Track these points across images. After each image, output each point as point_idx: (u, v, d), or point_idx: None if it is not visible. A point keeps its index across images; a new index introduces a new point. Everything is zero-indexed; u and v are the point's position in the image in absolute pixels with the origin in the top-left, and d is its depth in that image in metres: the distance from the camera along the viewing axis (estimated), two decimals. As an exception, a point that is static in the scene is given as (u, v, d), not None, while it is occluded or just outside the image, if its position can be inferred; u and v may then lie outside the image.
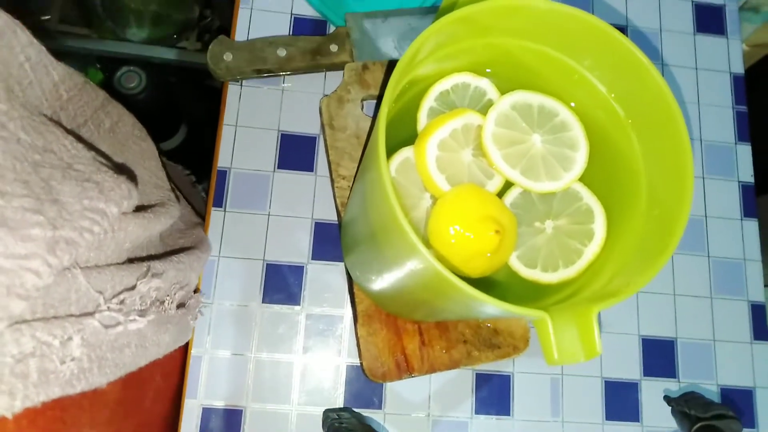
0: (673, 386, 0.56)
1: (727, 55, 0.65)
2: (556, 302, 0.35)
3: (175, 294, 0.42)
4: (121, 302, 0.35)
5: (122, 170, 0.36)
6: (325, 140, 0.55)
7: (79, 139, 0.35)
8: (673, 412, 0.53)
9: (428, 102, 0.37)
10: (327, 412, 0.51)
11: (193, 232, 0.51)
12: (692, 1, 0.66)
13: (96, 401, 0.39)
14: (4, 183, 0.27)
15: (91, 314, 0.33)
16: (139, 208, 0.39)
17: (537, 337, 0.52)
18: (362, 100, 0.56)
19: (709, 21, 0.66)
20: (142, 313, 0.38)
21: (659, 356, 0.56)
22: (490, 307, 0.28)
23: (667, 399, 0.54)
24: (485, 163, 0.37)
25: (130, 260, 0.38)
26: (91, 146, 0.36)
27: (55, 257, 0.28)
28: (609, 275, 0.34)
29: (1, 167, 0.27)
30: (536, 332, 0.29)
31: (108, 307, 0.34)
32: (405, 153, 0.37)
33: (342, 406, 0.52)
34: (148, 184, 0.45)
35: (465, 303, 0.31)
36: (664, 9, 0.65)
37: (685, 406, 0.51)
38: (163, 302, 0.40)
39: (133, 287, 0.37)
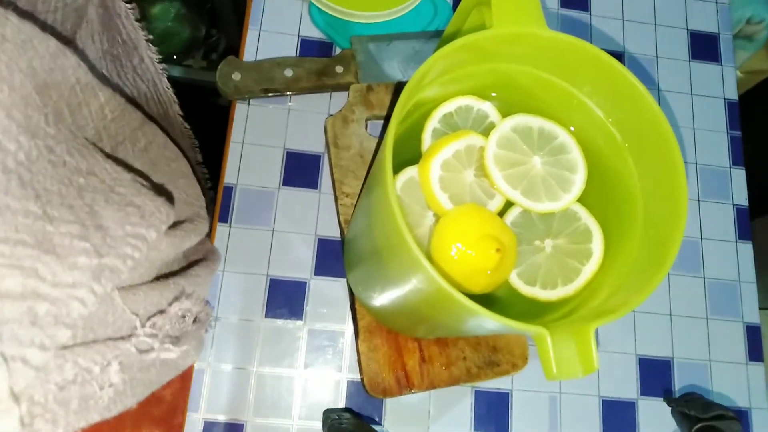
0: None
1: (721, 82, 0.66)
2: (554, 319, 0.36)
3: (194, 309, 0.43)
4: (153, 325, 0.36)
5: (161, 191, 0.37)
6: (329, 158, 0.57)
7: (117, 160, 0.36)
8: (673, 412, 0.53)
9: (432, 123, 0.39)
10: (327, 413, 0.51)
11: (205, 241, 0.52)
12: (687, 29, 0.68)
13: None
14: (52, 208, 0.27)
15: (127, 338, 0.33)
16: (171, 226, 0.40)
17: (536, 355, 0.53)
18: (366, 120, 0.57)
19: (704, 49, 0.67)
20: (174, 341, 0.39)
21: (656, 375, 0.57)
22: (491, 322, 0.29)
23: (667, 399, 0.55)
24: (487, 184, 0.38)
25: (157, 278, 0.38)
26: (130, 167, 0.37)
27: (100, 285, 0.28)
28: (606, 293, 0.35)
29: (49, 192, 0.27)
30: (536, 348, 0.30)
31: (143, 332, 0.34)
32: (409, 172, 0.38)
33: (323, 410, 0.53)
34: (178, 201, 0.46)
35: (466, 318, 0.32)
36: (660, 37, 0.67)
37: (685, 406, 0.51)
38: (184, 317, 0.41)
39: (165, 311, 0.37)
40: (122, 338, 0.33)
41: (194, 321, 0.44)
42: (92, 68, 0.35)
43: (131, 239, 0.31)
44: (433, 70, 0.34)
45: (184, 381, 0.52)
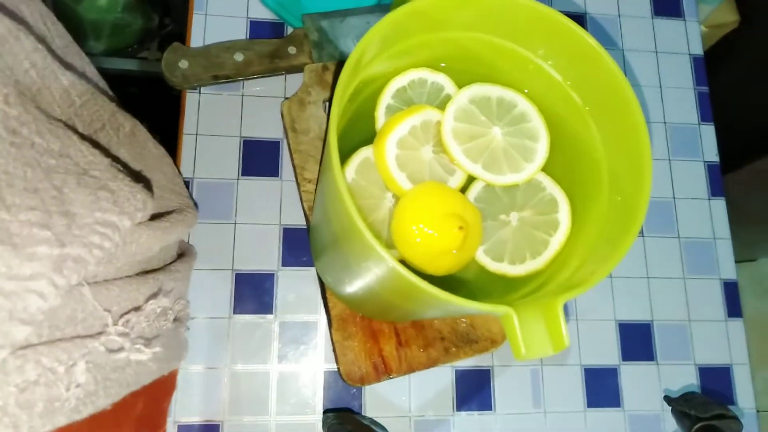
0: (652, 369, 0.56)
1: (685, 37, 0.65)
2: (524, 295, 0.35)
3: (174, 307, 0.41)
4: (126, 323, 0.34)
5: (139, 177, 0.35)
6: (288, 144, 0.54)
7: (97, 144, 0.34)
8: (673, 412, 0.53)
9: (385, 99, 0.37)
10: (327, 413, 0.50)
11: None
12: (649, -15, 0.66)
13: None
14: (12, 194, 0.25)
15: (96, 337, 0.31)
16: (155, 216, 0.38)
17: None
18: (324, 101, 0.55)
19: (666, 4, 0.66)
20: (147, 343, 0.37)
21: (637, 340, 0.56)
22: (455, 305, 0.28)
23: (667, 399, 0.54)
24: (446, 160, 0.36)
25: (140, 273, 0.36)
26: (108, 152, 0.34)
27: (62, 277, 0.26)
28: (576, 265, 0.34)
29: (11, 176, 0.25)
30: (503, 328, 0.29)
31: (114, 330, 0.32)
32: (364, 153, 0.36)
33: (323, 411, 0.51)
34: (165, 190, 0.44)
35: (432, 304, 0.31)
36: (622, -6, 0.66)
37: (685, 406, 0.51)
38: (162, 315, 0.39)
39: (140, 308, 0.35)
40: (90, 336, 0.31)
41: (174, 320, 0.42)
42: (52, 52, 0.33)
43: (100, 227, 0.29)
44: (375, 42, 0.32)
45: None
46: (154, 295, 0.37)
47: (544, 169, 0.37)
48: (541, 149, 0.36)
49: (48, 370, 0.28)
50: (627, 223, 0.30)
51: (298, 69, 0.57)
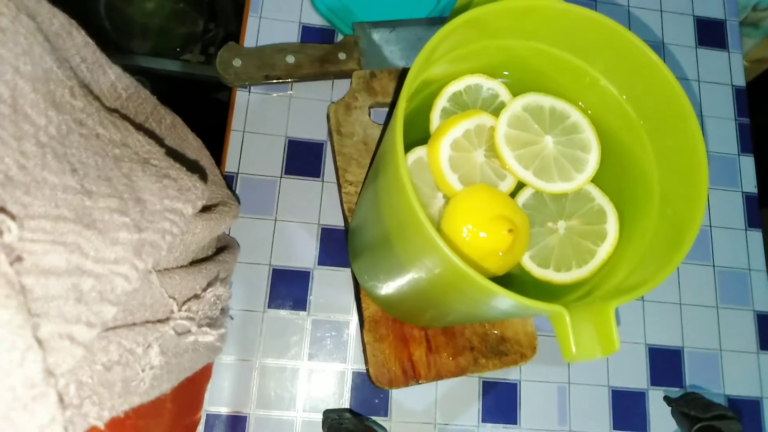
0: (680, 396, 0.55)
1: (728, 69, 0.65)
2: (570, 302, 0.35)
3: (224, 295, 0.42)
4: (188, 309, 0.35)
5: (192, 167, 0.36)
6: (332, 146, 0.56)
7: (149, 132, 0.35)
8: (673, 412, 0.53)
9: (441, 102, 0.38)
10: (327, 413, 0.50)
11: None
12: (694, 16, 0.67)
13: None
14: (89, 182, 0.26)
15: (165, 321, 0.32)
16: (205, 208, 0.39)
17: (544, 346, 0.52)
18: (370, 107, 0.56)
19: (711, 35, 0.67)
20: (211, 324, 0.38)
21: (666, 365, 0.56)
22: (507, 301, 0.28)
23: (668, 399, 0.54)
24: (497, 164, 0.37)
25: (191, 263, 0.37)
26: (161, 141, 0.36)
27: (141, 261, 0.27)
28: (623, 275, 0.34)
29: (85, 165, 0.26)
30: (553, 329, 0.29)
31: (179, 315, 0.33)
32: (418, 152, 0.37)
33: (323, 411, 0.52)
34: (210, 182, 0.45)
35: (480, 300, 0.31)
36: (666, 23, 0.66)
37: (685, 406, 0.50)
38: (216, 303, 0.40)
39: (199, 296, 0.36)
40: (160, 321, 0.32)
41: (221, 309, 0.43)
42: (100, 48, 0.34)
43: (169, 214, 0.30)
44: (442, 46, 0.33)
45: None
46: (210, 284, 0.38)
47: (594, 180, 0.37)
48: (592, 160, 0.37)
49: (128, 351, 0.29)
50: (679, 235, 0.31)
51: (346, 75, 0.58)
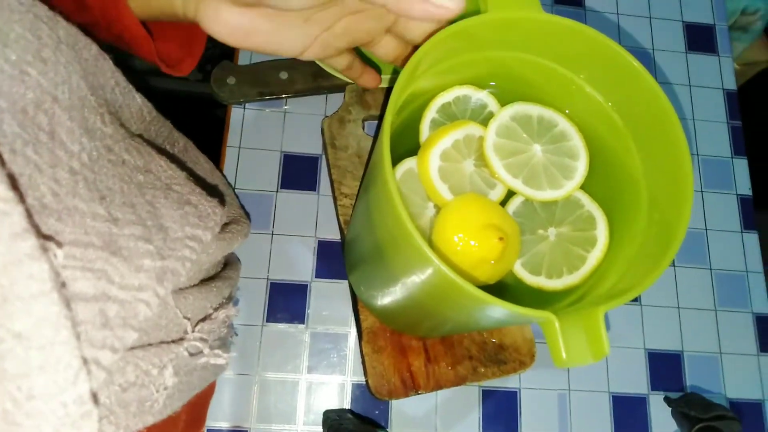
0: (681, 400, 0.55)
1: (719, 73, 0.66)
2: (561, 308, 0.35)
3: (232, 314, 0.42)
4: (201, 330, 0.35)
5: (212, 191, 0.37)
6: (327, 160, 0.56)
7: (171, 156, 0.36)
8: (673, 413, 0.53)
9: (431, 114, 0.38)
10: (327, 413, 0.50)
11: None
12: (683, 21, 0.68)
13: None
14: (115, 209, 0.27)
15: (179, 341, 0.33)
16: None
17: (543, 353, 0.52)
18: (363, 120, 0.57)
19: (700, 40, 0.67)
20: (222, 345, 0.38)
21: (666, 370, 0.56)
22: (497, 309, 0.29)
23: (668, 400, 0.54)
24: (487, 173, 0.37)
25: (201, 281, 0.38)
26: (182, 165, 0.36)
27: (163, 288, 0.28)
28: (614, 280, 0.34)
29: (111, 191, 0.27)
30: (544, 335, 0.29)
31: (192, 336, 0.34)
32: (407, 164, 0.37)
33: (323, 411, 0.52)
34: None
35: (472, 309, 0.32)
36: (656, 29, 0.67)
37: (685, 407, 0.50)
38: (227, 322, 0.40)
39: (211, 316, 0.37)
40: (174, 342, 0.33)
41: (228, 326, 0.44)
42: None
43: (189, 241, 0.31)
44: (427, 59, 0.34)
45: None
46: (222, 305, 0.39)
47: (583, 186, 0.37)
48: (581, 167, 0.37)
49: (143, 372, 0.29)
50: (667, 239, 0.31)
51: (340, 89, 0.59)
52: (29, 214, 0.22)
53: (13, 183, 0.21)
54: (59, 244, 0.23)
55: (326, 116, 0.58)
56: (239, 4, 0.31)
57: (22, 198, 0.21)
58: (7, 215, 0.20)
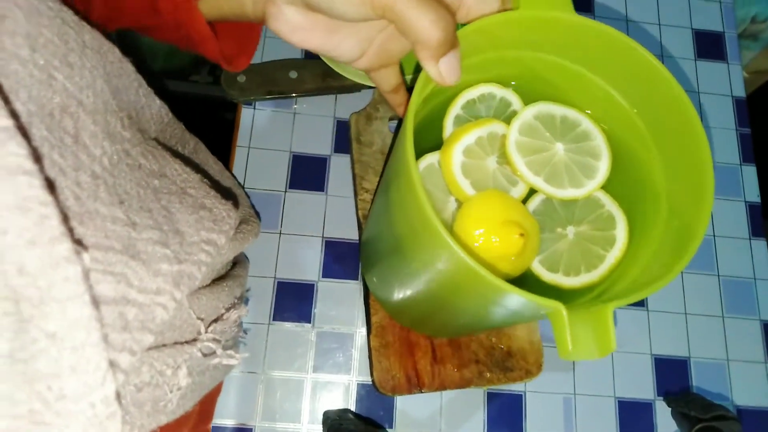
0: (688, 407, 0.55)
1: (728, 80, 0.66)
2: (577, 305, 0.35)
3: (243, 314, 0.42)
4: (214, 331, 0.36)
5: (226, 194, 0.37)
6: (351, 154, 0.56)
7: (185, 159, 0.36)
8: (673, 413, 0.52)
9: (455, 110, 0.38)
10: (327, 413, 0.50)
11: None
12: (692, 29, 0.68)
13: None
14: (133, 213, 0.27)
15: (193, 342, 0.33)
16: None
17: (549, 356, 0.52)
18: (390, 119, 0.57)
19: (710, 47, 0.68)
20: (233, 345, 0.38)
21: (673, 375, 0.56)
22: (510, 297, 0.28)
23: (668, 400, 0.54)
24: (509, 171, 0.37)
25: (213, 282, 0.38)
26: (197, 167, 0.36)
27: (179, 292, 0.28)
28: (630, 281, 0.34)
29: (129, 196, 0.27)
30: (552, 327, 0.29)
31: (206, 337, 0.34)
32: (429, 159, 0.37)
33: (323, 411, 0.51)
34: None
35: (485, 299, 0.32)
36: (665, 36, 0.67)
37: (685, 407, 0.50)
38: (235, 321, 0.40)
39: (223, 317, 0.37)
40: (188, 342, 0.33)
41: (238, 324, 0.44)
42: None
43: (205, 245, 0.31)
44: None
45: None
46: (234, 305, 0.39)
47: (604, 187, 0.37)
48: (603, 167, 0.37)
49: (158, 372, 0.30)
50: (682, 246, 0.31)
51: (349, 89, 0.59)
52: (65, 218, 0.22)
53: (50, 186, 0.22)
54: (85, 248, 0.23)
55: (335, 117, 0.58)
56: (302, 6, 0.32)
57: (57, 202, 0.22)
58: (47, 218, 0.21)
